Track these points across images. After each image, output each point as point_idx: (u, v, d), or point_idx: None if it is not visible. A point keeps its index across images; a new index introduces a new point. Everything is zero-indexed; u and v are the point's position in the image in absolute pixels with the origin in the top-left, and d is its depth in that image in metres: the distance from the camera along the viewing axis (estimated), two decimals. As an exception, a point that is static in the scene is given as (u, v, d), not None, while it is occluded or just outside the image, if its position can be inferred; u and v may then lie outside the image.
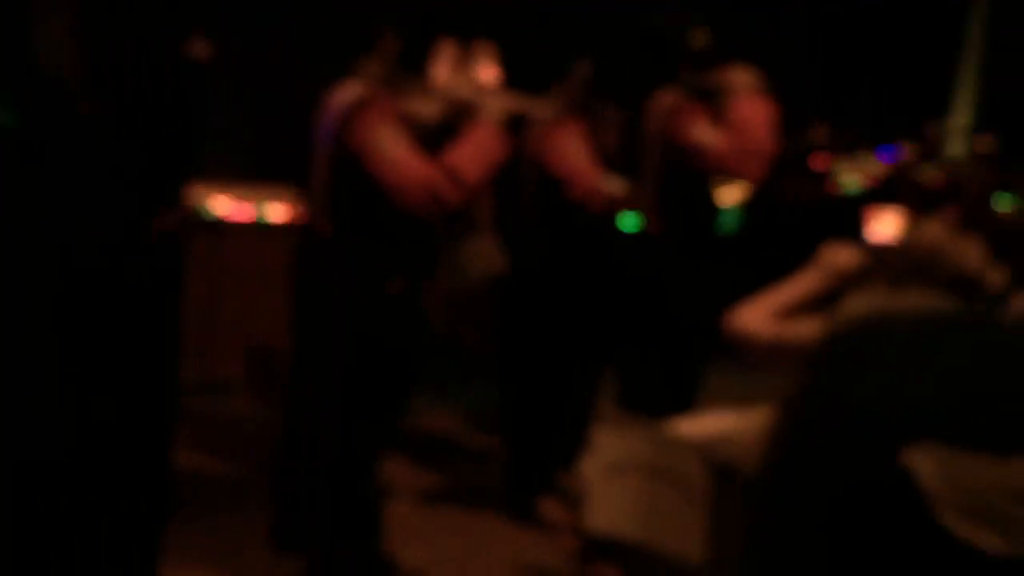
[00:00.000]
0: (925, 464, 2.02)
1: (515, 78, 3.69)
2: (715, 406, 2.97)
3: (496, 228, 3.40)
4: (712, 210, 3.48)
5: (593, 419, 3.44)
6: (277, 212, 5.00)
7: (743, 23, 9.08)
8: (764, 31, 9.46)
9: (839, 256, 2.42)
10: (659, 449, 2.48)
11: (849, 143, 7.18)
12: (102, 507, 1.73)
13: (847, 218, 6.68)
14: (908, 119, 8.01)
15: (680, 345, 3.33)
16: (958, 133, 8.61)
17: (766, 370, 2.36)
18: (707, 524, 2.43)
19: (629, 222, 3.46)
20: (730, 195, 4.59)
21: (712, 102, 3.33)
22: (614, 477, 2.48)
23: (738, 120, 3.17)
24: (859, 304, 1.98)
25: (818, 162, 6.82)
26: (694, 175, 3.26)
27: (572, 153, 3.41)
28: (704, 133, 3.20)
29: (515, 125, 3.43)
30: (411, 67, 3.24)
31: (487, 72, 3.72)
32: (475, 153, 2.71)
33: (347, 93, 2.65)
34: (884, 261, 2.25)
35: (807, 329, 2.14)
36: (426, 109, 2.87)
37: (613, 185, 3.35)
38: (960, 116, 8.96)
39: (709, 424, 2.60)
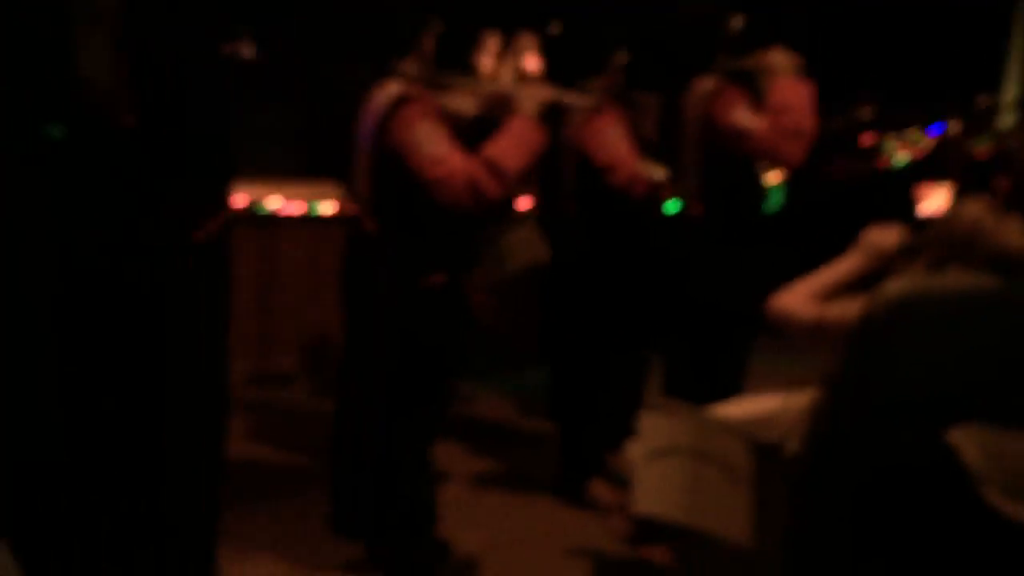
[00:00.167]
0: (968, 443, 2.04)
1: (554, 67, 3.73)
2: (761, 389, 2.99)
3: (538, 218, 3.45)
4: (755, 192, 3.47)
5: (640, 403, 3.46)
6: (328, 207, 5.09)
7: (789, 1, 8.97)
8: (811, 8, 9.36)
9: (881, 237, 2.43)
10: (704, 432, 2.51)
11: (898, 119, 7.09)
12: (157, 495, 1.81)
13: (897, 194, 6.60)
14: (957, 94, 7.88)
15: (724, 328, 3.34)
16: (1008, 108, 8.44)
17: (811, 351, 2.38)
18: (752, 505, 2.46)
19: (671, 207, 3.48)
20: (772, 176, 4.58)
21: (750, 86, 3.32)
22: (660, 460, 2.50)
23: (777, 103, 3.16)
24: (897, 285, 1.99)
25: (866, 139, 6.74)
26: (735, 159, 3.26)
27: (612, 141, 3.43)
28: (744, 117, 3.19)
29: (554, 115, 3.47)
30: (453, 60, 3.30)
31: (530, 62, 3.76)
32: (513, 145, 2.76)
33: (387, 92, 2.70)
34: (926, 239, 2.26)
35: (850, 309, 2.15)
36: (464, 104, 2.93)
37: (654, 171, 3.37)
38: (1010, 90, 8.78)
39: (753, 406, 2.62)
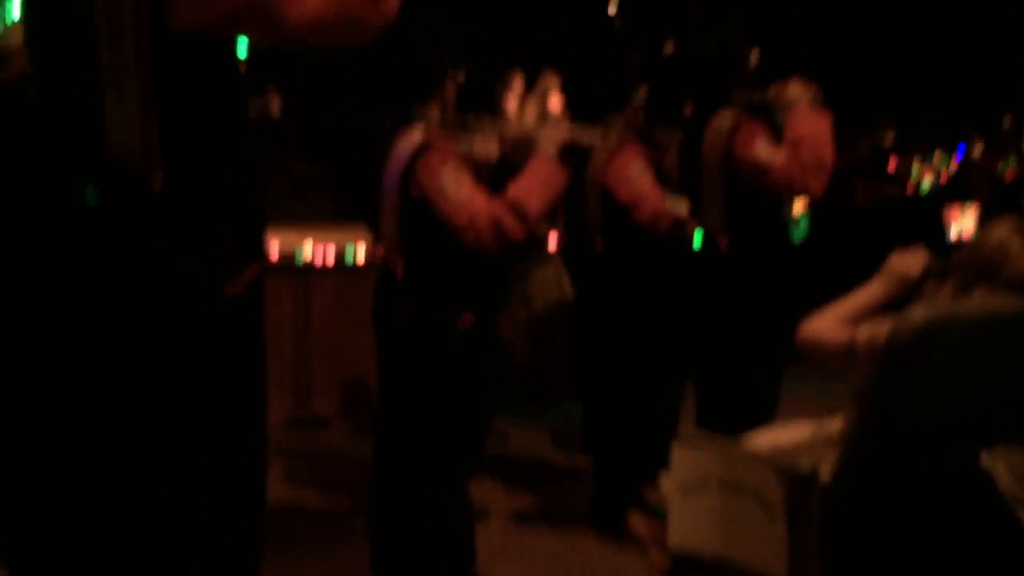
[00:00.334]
0: (1000, 465, 2.05)
1: (575, 105, 3.79)
2: (792, 417, 3.00)
3: (564, 254, 3.50)
4: (778, 223, 3.50)
5: (673, 434, 3.48)
6: (359, 253, 5.18)
7: (811, 31, 9.05)
8: (833, 37, 9.42)
9: (905, 262, 2.45)
10: (736, 464, 2.52)
11: (920, 143, 7.10)
12: (197, 544, 1.85)
13: (925, 218, 6.58)
14: (983, 117, 7.87)
15: (753, 358, 3.35)
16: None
17: (841, 378, 2.40)
18: (786, 536, 2.46)
19: (695, 241, 3.51)
20: (798, 206, 4.60)
21: (769, 119, 3.36)
22: (693, 494, 2.52)
23: (796, 135, 3.19)
24: (921, 309, 2.01)
25: (891, 163, 6.75)
26: (757, 192, 3.29)
27: (635, 177, 3.48)
28: (764, 150, 3.22)
29: (577, 153, 3.53)
30: (478, 100, 3.37)
31: (553, 102, 3.84)
32: (536, 186, 2.82)
33: (411, 139, 2.78)
34: (953, 263, 2.27)
35: (880, 330, 2.16)
36: (486, 147, 2.99)
37: (677, 206, 3.41)
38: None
39: (785, 435, 2.63)
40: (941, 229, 6.49)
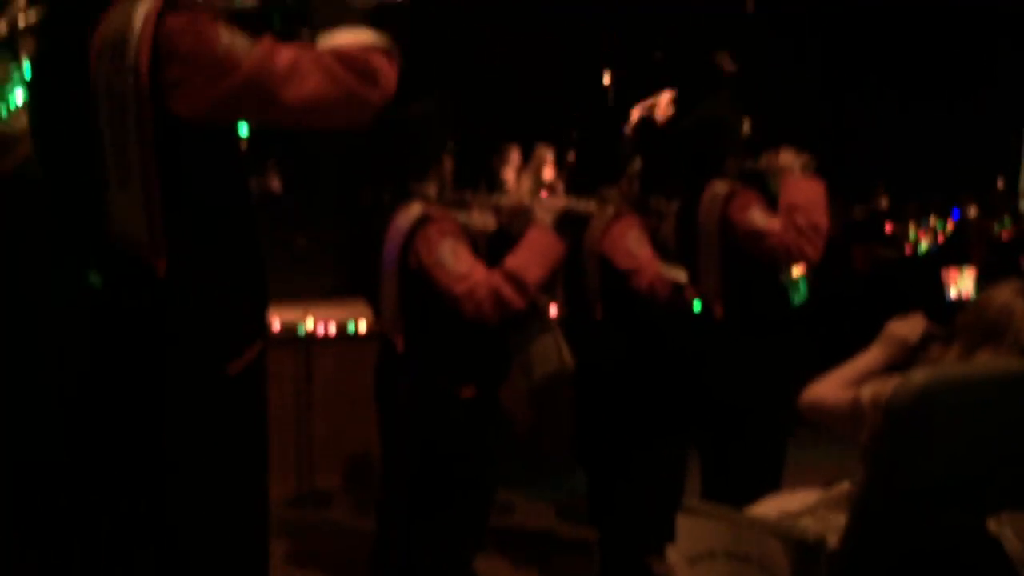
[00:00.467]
0: (1006, 529, 2.03)
1: (570, 176, 3.84)
2: (798, 484, 2.98)
3: (564, 323, 3.51)
4: (775, 288, 3.52)
5: (678, 504, 3.45)
6: (361, 325, 5.19)
7: (802, 99, 9.17)
8: (826, 103, 9.56)
9: (904, 328, 2.46)
10: (741, 533, 2.50)
11: (915, 206, 7.17)
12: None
13: (924, 280, 6.61)
14: (978, 179, 7.97)
15: (757, 425, 3.35)
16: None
17: (844, 444, 2.39)
18: (793, 603, 2.43)
19: (694, 307, 3.53)
20: (796, 270, 4.63)
21: (763, 186, 3.41)
22: (699, 565, 2.50)
23: (790, 201, 3.24)
24: (922, 372, 2.01)
25: (887, 227, 6.81)
26: (753, 258, 3.32)
27: (632, 246, 3.51)
28: (759, 217, 3.26)
29: (574, 223, 3.57)
30: (475, 173, 3.41)
31: (548, 173, 3.89)
32: (533, 256, 2.84)
33: (409, 213, 2.81)
34: (958, 326, 2.28)
35: (883, 388, 2.16)
36: (483, 219, 3.03)
37: (676, 273, 3.43)
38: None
39: (790, 503, 2.61)
40: (940, 290, 6.52)
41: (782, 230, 3.21)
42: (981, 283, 6.38)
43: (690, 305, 3.52)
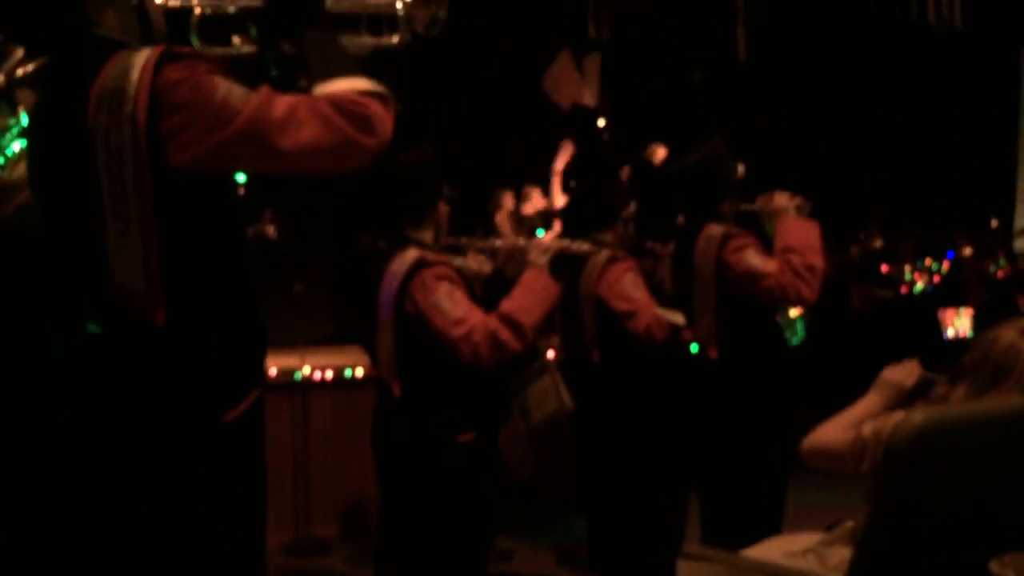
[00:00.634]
0: (1009, 573, 2.02)
1: (567, 221, 3.86)
2: (798, 526, 2.96)
3: (562, 366, 3.51)
4: (772, 330, 3.53)
5: (679, 548, 3.43)
6: (359, 371, 5.18)
7: (797, 137, 9.24)
8: (821, 145, 9.65)
9: (898, 374, 2.47)
10: (741, 577, 2.49)
11: (908, 246, 7.21)
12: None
13: (920, 320, 6.63)
14: (972, 218, 8.02)
15: (756, 467, 3.33)
16: (1020, 231, 8.56)
17: (845, 487, 2.38)
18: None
19: (691, 349, 3.53)
20: (793, 311, 4.65)
21: (757, 229, 3.43)
22: (700, 610, 2.48)
23: (785, 243, 3.25)
24: (918, 414, 2.01)
25: (881, 266, 6.84)
26: (749, 300, 3.33)
27: (628, 289, 3.52)
28: (755, 259, 3.28)
29: (570, 264, 3.58)
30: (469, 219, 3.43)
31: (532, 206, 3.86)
32: (529, 298, 2.85)
33: (405, 259, 2.82)
34: (963, 367, 2.28)
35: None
36: (479, 263, 3.04)
37: (672, 316, 3.43)
38: (1021, 214, 8.93)
39: (790, 545, 2.60)
40: (937, 331, 6.54)
41: (778, 272, 3.23)
42: (978, 323, 6.41)
43: (687, 347, 3.52)
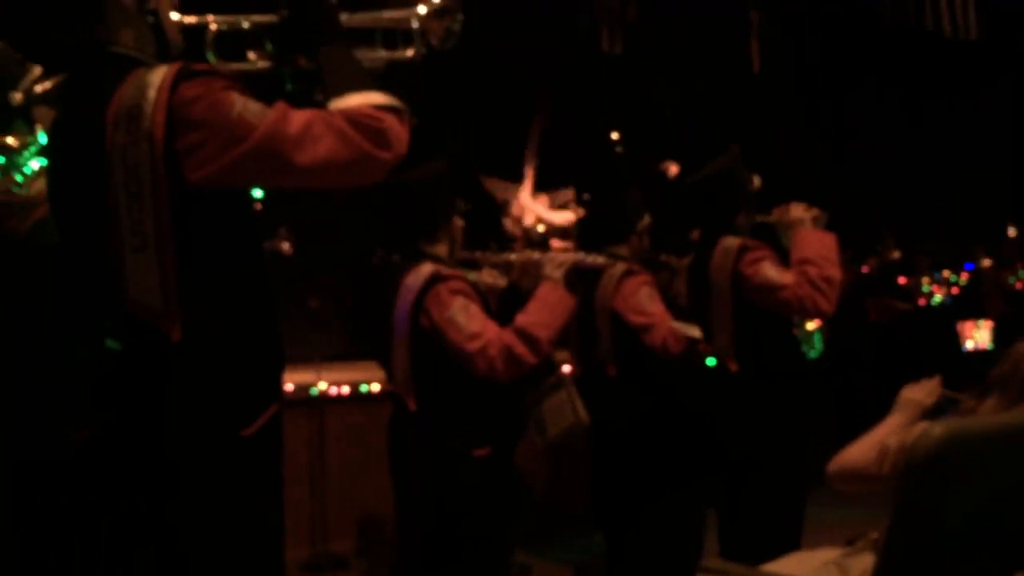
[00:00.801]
0: (1031, 583, 1.99)
1: (582, 234, 3.85)
2: (817, 542, 2.94)
3: (578, 380, 3.50)
4: (789, 342, 3.51)
5: (698, 562, 3.41)
6: (374, 386, 5.19)
7: (810, 151, 9.22)
8: (837, 154, 9.62)
9: (918, 393, 2.46)
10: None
11: (926, 258, 7.17)
12: None
13: (939, 332, 6.59)
14: (989, 227, 7.96)
15: (775, 481, 3.31)
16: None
17: (864, 503, 2.36)
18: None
19: (709, 362, 3.52)
20: (811, 323, 4.62)
21: (774, 241, 3.41)
22: (720, 625, 2.46)
23: (802, 255, 3.24)
24: (938, 426, 1.99)
25: (899, 279, 6.80)
26: (766, 313, 3.31)
27: (644, 302, 3.51)
28: (772, 272, 3.26)
29: (585, 277, 3.57)
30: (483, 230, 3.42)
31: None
32: (545, 312, 2.84)
33: (419, 273, 2.82)
34: (992, 380, 2.27)
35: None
36: (494, 277, 3.04)
37: (689, 329, 3.42)
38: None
39: (808, 561, 2.58)
40: (956, 343, 6.49)
41: (795, 284, 3.21)
42: (998, 335, 6.36)
43: (704, 360, 3.50)
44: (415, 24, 2.07)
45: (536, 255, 3.19)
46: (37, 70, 2.55)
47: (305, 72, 1.98)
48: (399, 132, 1.84)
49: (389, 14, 2.08)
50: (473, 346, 2.72)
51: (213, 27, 2.01)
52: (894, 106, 9.54)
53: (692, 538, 3.63)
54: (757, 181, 3.52)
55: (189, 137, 1.73)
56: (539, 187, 7.25)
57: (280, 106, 1.78)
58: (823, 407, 3.43)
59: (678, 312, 3.51)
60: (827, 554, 2.54)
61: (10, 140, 2.66)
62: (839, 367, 5.62)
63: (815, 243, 3.26)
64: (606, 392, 3.58)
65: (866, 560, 2.31)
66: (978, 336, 6.45)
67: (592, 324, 3.64)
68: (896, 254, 6.77)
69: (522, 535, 4.48)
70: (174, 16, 1.96)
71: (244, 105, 1.75)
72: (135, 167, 1.73)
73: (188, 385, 1.79)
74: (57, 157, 1.94)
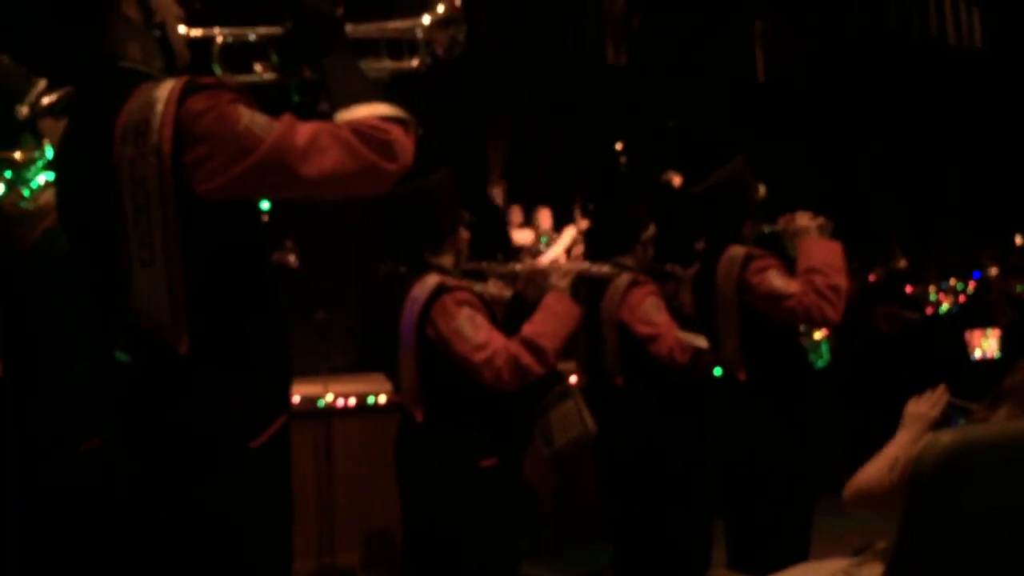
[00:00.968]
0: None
1: (588, 245, 3.85)
2: (826, 552, 2.93)
3: (585, 390, 3.49)
4: (796, 352, 3.50)
5: (706, 572, 3.40)
6: (381, 398, 5.18)
7: (819, 157, 9.21)
8: (843, 163, 9.62)
9: (922, 406, 2.46)
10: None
11: (937, 266, 7.15)
12: None
13: (947, 341, 6.57)
14: (996, 235, 7.95)
15: (783, 491, 3.30)
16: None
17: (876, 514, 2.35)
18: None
19: (714, 373, 3.51)
20: (819, 333, 4.62)
21: (779, 250, 3.41)
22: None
23: (808, 264, 3.23)
24: (947, 435, 1.98)
25: (906, 288, 6.78)
26: (772, 322, 3.31)
27: (650, 312, 3.51)
28: (778, 281, 3.25)
29: (592, 289, 3.57)
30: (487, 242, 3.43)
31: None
32: (551, 322, 2.85)
33: (425, 284, 2.82)
34: (1005, 388, 2.26)
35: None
36: (499, 287, 3.04)
37: (695, 339, 3.41)
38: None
39: (817, 571, 2.57)
40: (964, 351, 6.47)
41: (801, 292, 3.20)
42: (1006, 344, 6.34)
43: (710, 370, 3.50)
44: (420, 34, 2.07)
45: (542, 265, 3.19)
46: (42, 83, 2.56)
47: (311, 83, 1.99)
48: (405, 143, 1.85)
49: (394, 24, 2.08)
50: (480, 356, 2.72)
51: (219, 40, 2.02)
52: (900, 114, 9.54)
53: (700, 549, 3.62)
54: (763, 190, 3.52)
55: (196, 150, 1.74)
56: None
57: (287, 118, 1.79)
58: (830, 417, 3.41)
59: (683, 322, 3.51)
60: (835, 564, 2.53)
61: (17, 155, 2.67)
62: (847, 377, 5.61)
63: (821, 252, 3.25)
64: (613, 402, 3.57)
65: (874, 570, 2.30)
66: (986, 345, 6.43)
67: (598, 334, 3.64)
68: (903, 263, 6.75)
69: (529, 546, 4.47)
70: (181, 29, 1.97)
71: (251, 118, 1.76)
72: (143, 180, 1.73)
73: (197, 397, 1.80)
74: (65, 171, 1.95)
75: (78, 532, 2.27)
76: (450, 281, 2.84)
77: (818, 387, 3.60)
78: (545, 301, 2.91)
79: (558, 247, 6.99)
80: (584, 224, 7.17)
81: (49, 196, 2.58)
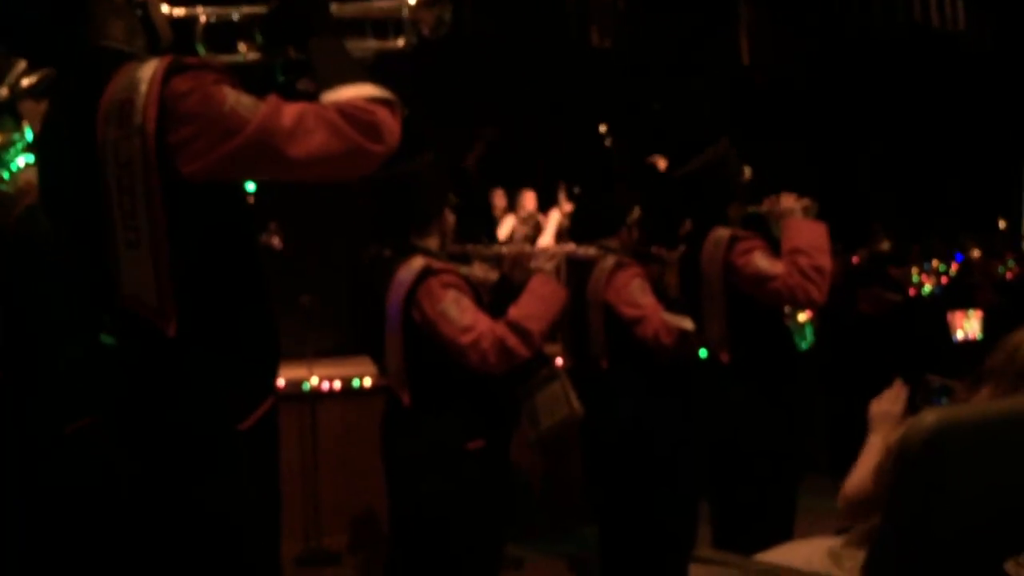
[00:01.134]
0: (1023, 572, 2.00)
1: (574, 226, 3.85)
2: (811, 531, 2.95)
3: (570, 373, 3.50)
4: (781, 333, 3.51)
5: (691, 552, 3.41)
6: (367, 381, 5.18)
7: (809, 143, 9.23)
8: (831, 147, 9.65)
9: (884, 404, 2.48)
10: (754, 580, 2.48)
11: (916, 248, 7.20)
12: None
13: (929, 322, 6.61)
14: (979, 219, 8.01)
15: (768, 472, 3.32)
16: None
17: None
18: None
19: (700, 355, 3.52)
20: (802, 315, 4.63)
21: (765, 231, 3.41)
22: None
23: (793, 245, 3.24)
24: (930, 415, 2.00)
25: (890, 270, 6.82)
26: (758, 304, 3.32)
27: (635, 295, 3.51)
28: (763, 262, 3.26)
29: (578, 271, 3.57)
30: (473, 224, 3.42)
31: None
32: (537, 304, 2.84)
33: (411, 267, 2.81)
34: (986, 371, 2.28)
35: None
36: (484, 270, 3.03)
37: (680, 321, 3.42)
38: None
39: (801, 550, 2.59)
40: (946, 332, 6.51)
41: (786, 273, 3.21)
42: (988, 325, 6.38)
43: (696, 352, 3.50)
44: (406, 14, 2.06)
45: (527, 248, 3.19)
46: (22, 64, 2.53)
47: (296, 63, 1.97)
48: (391, 125, 1.84)
49: (380, 4, 2.07)
50: (466, 339, 2.72)
51: (203, 19, 2.00)
52: (884, 98, 9.57)
53: (686, 530, 3.64)
54: (748, 172, 3.52)
55: (181, 131, 1.73)
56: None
57: (272, 99, 1.78)
58: (814, 398, 3.43)
59: (669, 304, 3.51)
60: (820, 543, 2.55)
61: (-4, 136, 2.65)
62: (830, 358, 5.63)
63: (806, 233, 3.26)
64: (598, 385, 3.58)
65: (859, 553, 2.32)
66: (968, 326, 6.47)
67: (584, 317, 3.64)
68: (886, 245, 6.79)
69: (515, 528, 4.49)
70: (164, 9, 1.95)
71: (236, 99, 1.75)
72: (127, 162, 1.72)
73: (184, 380, 1.79)
74: (48, 153, 1.93)
75: (68, 511, 2.26)
76: (436, 264, 2.83)
77: (802, 368, 3.61)
78: (531, 284, 2.91)
79: (547, 234, 6.98)
80: (568, 207, 7.17)
81: (29, 176, 2.56)
